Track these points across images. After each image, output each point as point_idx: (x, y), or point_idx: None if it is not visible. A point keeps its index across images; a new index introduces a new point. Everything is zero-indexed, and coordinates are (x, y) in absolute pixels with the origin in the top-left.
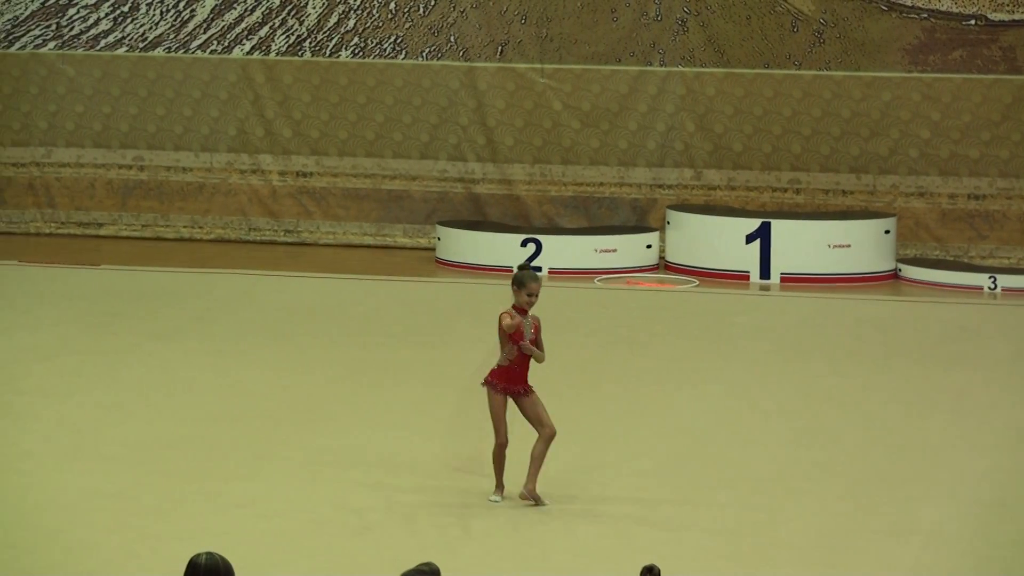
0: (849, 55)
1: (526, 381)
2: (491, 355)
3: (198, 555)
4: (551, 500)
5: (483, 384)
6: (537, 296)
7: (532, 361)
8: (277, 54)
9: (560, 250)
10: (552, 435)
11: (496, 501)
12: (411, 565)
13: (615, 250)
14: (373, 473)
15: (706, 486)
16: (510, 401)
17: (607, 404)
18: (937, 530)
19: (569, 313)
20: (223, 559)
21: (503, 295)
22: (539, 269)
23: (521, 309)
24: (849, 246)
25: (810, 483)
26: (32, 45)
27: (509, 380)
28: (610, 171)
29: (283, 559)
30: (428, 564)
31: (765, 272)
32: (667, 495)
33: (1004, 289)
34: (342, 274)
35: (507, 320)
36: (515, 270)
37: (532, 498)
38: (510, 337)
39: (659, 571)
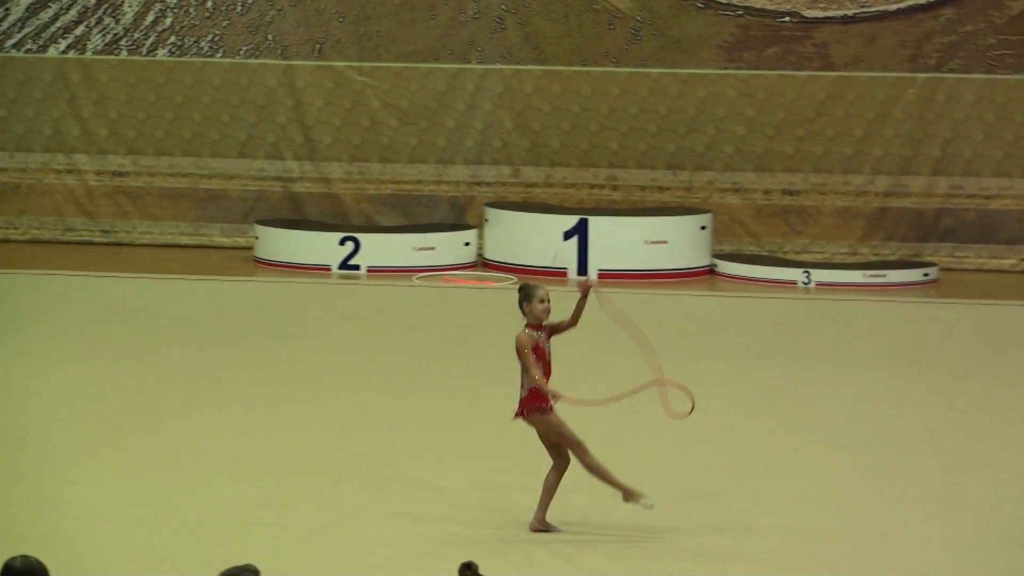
0: (665, 52)
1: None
2: (310, 352)
3: (13, 558)
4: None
5: (524, 415)
6: (550, 301)
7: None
8: (93, 53)
9: (378, 248)
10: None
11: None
12: (230, 565)
13: (433, 248)
14: (196, 473)
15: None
16: (524, 424)
17: (426, 402)
18: (752, 524)
19: (388, 311)
20: (38, 562)
21: (321, 294)
22: (357, 268)
23: (535, 325)
24: (666, 242)
25: (623, 478)
26: None
27: (543, 398)
28: (428, 169)
29: (102, 561)
30: (248, 565)
31: (583, 268)
32: (484, 492)
33: (818, 283)
34: (159, 274)
35: (535, 376)
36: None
37: (543, 527)
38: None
39: (476, 567)
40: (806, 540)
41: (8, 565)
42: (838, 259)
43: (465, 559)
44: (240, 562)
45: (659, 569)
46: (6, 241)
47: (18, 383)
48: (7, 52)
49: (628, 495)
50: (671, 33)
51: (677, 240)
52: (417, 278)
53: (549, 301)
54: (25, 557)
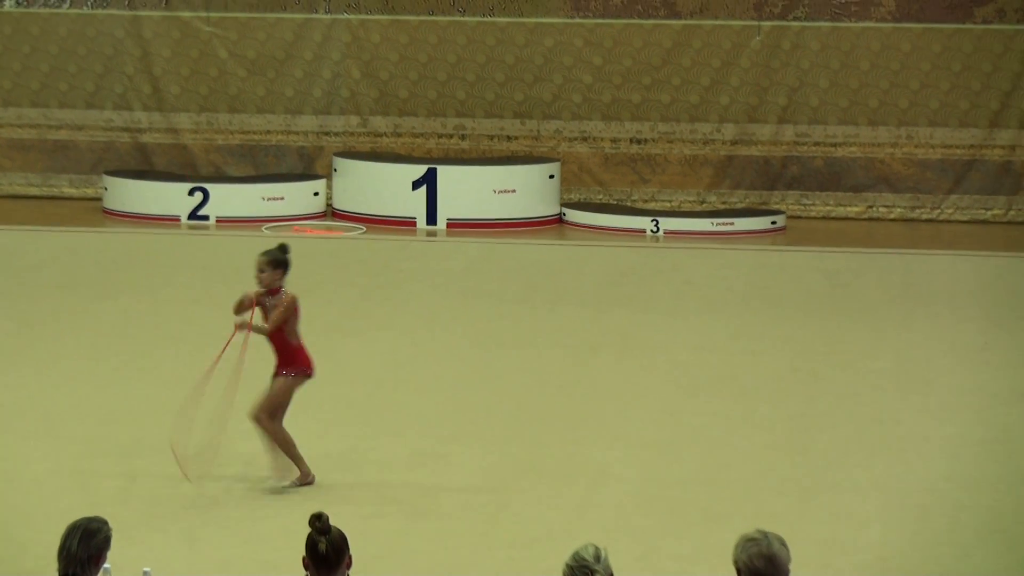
0: (512, 1)
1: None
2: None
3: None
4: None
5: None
6: (262, 272)
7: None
8: None
9: (227, 199)
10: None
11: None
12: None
13: (282, 198)
14: (37, 424)
15: (375, 433)
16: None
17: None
18: (604, 471)
19: (237, 263)
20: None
21: (170, 244)
22: (206, 218)
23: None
24: (514, 191)
25: (477, 426)
26: None
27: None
28: (276, 119)
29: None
30: (96, 517)
31: (432, 218)
32: (337, 443)
33: (666, 232)
34: (8, 225)
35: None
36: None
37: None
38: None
39: (327, 517)
40: (659, 487)
41: None
42: (686, 207)
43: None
44: (88, 514)
45: (511, 518)
46: None
47: None
48: None
49: (303, 477)
50: None
51: (525, 189)
52: (266, 228)
53: (261, 272)
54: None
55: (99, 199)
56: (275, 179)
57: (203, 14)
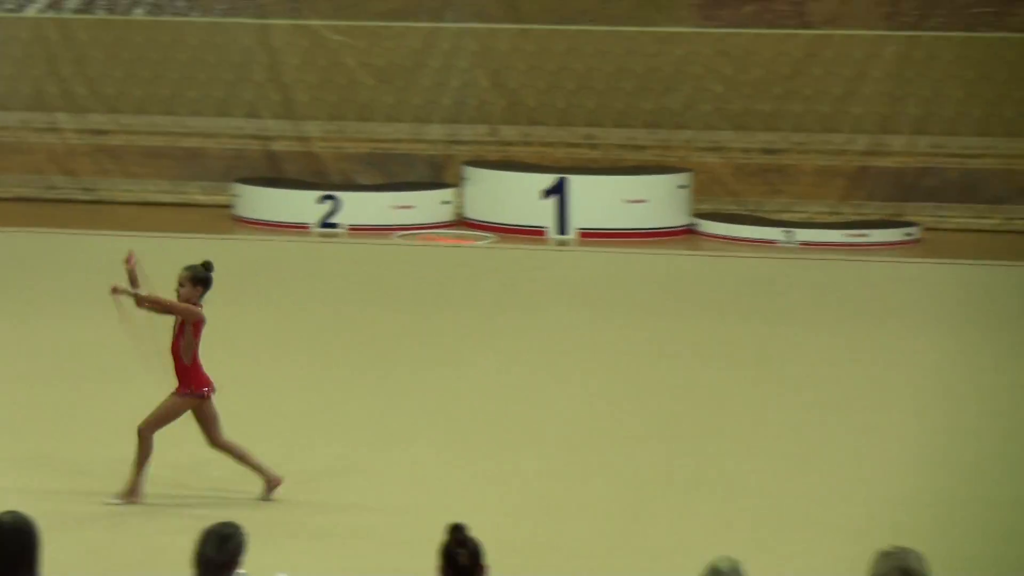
0: (641, 10)
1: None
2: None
3: (3, 513)
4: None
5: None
6: (182, 287)
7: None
8: (71, 12)
9: (358, 207)
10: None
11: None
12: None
13: (413, 207)
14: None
15: (508, 445)
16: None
17: (407, 362)
18: (738, 483)
19: (367, 271)
20: (28, 518)
21: (300, 252)
22: (336, 226)
23: None
24: (645, 201)
25: (608, 438)
26: None
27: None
28: (405, 127)
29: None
30: (228, 523)
31: (562, 228)
32: (471, 453)
33: (800, 243)
34: (140, 232)
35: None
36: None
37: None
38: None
39: (466, 528)
40: (793, 500)
41: None
42: (819, 218)
43: (454, 521)
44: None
45: (645, 529)
46: None
47: (2, 341)
48: None
49: (131, 494)
50: None
51: (656, 199)
52: (398, 236)
53: (180, 285)
54: (14, 513)
55: (230, 206)
56: (405, 187)
57: (332, 22)
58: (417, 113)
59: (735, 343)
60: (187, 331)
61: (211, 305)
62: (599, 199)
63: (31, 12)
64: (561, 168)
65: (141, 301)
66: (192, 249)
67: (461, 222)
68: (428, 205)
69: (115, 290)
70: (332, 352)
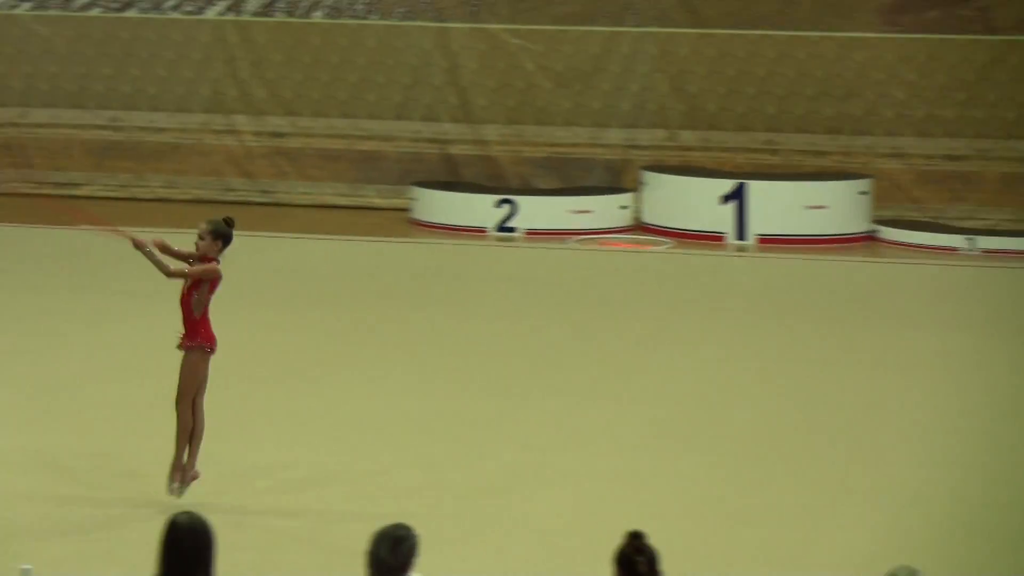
0: (823, 15)
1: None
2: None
3: (178, 515)
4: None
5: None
6: (201, 239)
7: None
8: (250, 15)
9: (535, 211)
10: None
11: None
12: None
13: (590, 211)
14: (348, 433)
15: (684, 450)
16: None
17: (584, 367)
18: (915, 491)
19: (544, 275)
20: (204, 519)
21: (477, 256)
22: (514, 230)
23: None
24: (825, 207)
25: (787, 443)
26: (7, 6)
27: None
28: (584, 132)
29: (264, 517)
30: (402, 524)
31: (741, 233)
32: (650, 459)
33: (982, 250)
34: (317, 234)
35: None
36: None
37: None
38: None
39: (645, 535)
40: (972, 509)
41: (174, 522)
42: (1003, 226)
43: (632, 526)
44: (395, 521)
45: (823, 538)
46: (167, 200)
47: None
48: (166, 14)
49: (181, 476)
50: None
51: (836, 205)
52: (575, 241)
53: (200, 238)
54: (190, 514)
55: (407, 210)
56: (583, 192)
57: (510, 26)
58: (596, 117)
59: (914, 351)
60: (203, 286)
61: (389, 308)
62: (778, 205)
63: (211, 15)
64: (740, 173)
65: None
66: (369, 252)
67: (639, 227)
68: (606, 210)
69: (139, 245)
70: (509, 356)
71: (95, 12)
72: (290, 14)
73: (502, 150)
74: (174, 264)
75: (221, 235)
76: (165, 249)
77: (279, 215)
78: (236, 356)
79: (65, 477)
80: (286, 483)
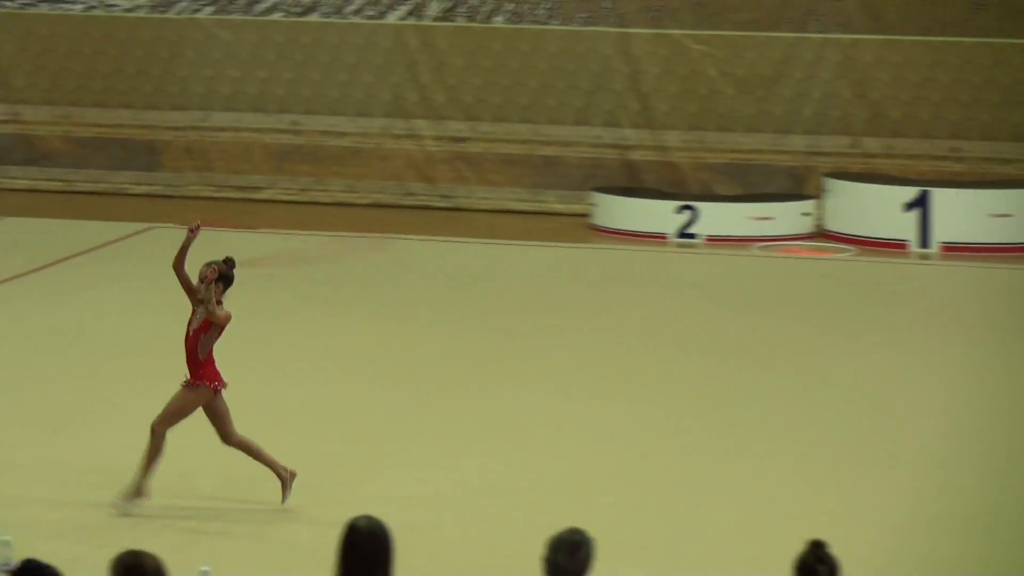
0: (1009, 21)
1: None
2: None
3: (357, 518)
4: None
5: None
6: (201, 282)
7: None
8: (431, 19)
9: (716, 217)
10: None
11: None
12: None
13: (772, 218)
14: (528, 438)
15: (872, 462)
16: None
17: (772, 372)
18: None
19: (724, 282)
20: (383, 524)
21: (657, 262)
22: (694, 237)
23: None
24: (1010, 215)
25: (977, 456)
26: (189, 10)
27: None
28: (765, 138)
29: (438, 523)
30: (577, 530)
31: (924, 241)
32: (834, 468)
33: None
34: (497, 239)
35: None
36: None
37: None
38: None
39: (827, 544)
40: None
41: (353, 525)
42: None
43: (811, 536)
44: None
45: (975, 551)
46: (348, 205)
47: (360, 344)
48: (347, 19)
49: (137, 493)
50: (1015, 2)
51: (1022, 213)
52: (756, 248)
53: (200, 281)
54: (369, 518)
55: (587, 215)
56: (764, 199)
57: (692, 32)
58: (778, 124)
59: None
60: (212, 330)
61: (568, 313)
62: (963, 213)
63: (392, 19)
64: (924, 181)
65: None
66: (548, 257)
67: (821, 234)
68: (788, 216)
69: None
70: (687, 361)
71: (277, 16)
72: (471, 19)
73: (683, 156)
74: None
75: (222, 277)
76: (179, 266)
77: (459, 220)
78: (415, 360)
79: (249, 482)
80: (474, 487)
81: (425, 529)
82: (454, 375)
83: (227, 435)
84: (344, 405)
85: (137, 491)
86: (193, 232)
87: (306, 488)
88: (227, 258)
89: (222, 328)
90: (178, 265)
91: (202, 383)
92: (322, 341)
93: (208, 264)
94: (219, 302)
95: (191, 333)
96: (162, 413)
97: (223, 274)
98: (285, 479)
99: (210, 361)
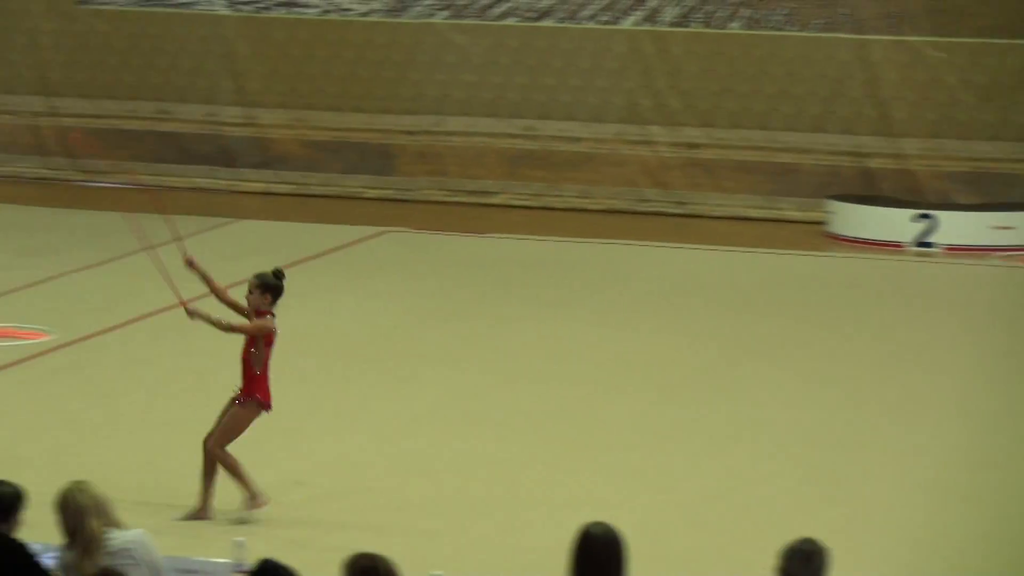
0: None
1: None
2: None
3: (592, 525)
4: None
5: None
6: (250, 293)
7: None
8: (666, 25)
9: (955, 226)
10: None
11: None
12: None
13: (1013, 227)
14: (762, 446)
15: None
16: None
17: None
18: None
19: (962, 292)
20: (616, 531)
21: (893, 271)
22: (932, 245)
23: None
24: None
25: None
26: (424, 14)
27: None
28: (1007, 147)
29: (671, 531)
30: (810, 540)
31: None
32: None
33: None
34: (731, 247)
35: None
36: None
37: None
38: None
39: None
40: None
41: (588, 532)
42: None
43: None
44: (805, 536)
45: None
46: (581, 210)
47: (590, 350)
48: (581, 24)
49: (200, 511)
50: None
51: None
52: (997, 257)
53: (249, 292)
54: (604, 525)
55: (823, 223)
56: (1005, 208)
57: (931, 39)
58: (1020, 132)
59: None
60: (259, 342)
61: (801, 321)
62: None
63: (627, 25)
64: None
65: (216, 323)
66: (782, 265)
67: None
68: None
69: (192, 313)
70: (930, 377)
71: (511, 21)
72: (707, 24)
73: (921, 164)
74: (234, 319)
75: (270, 288)
76: (221, 294)
77: (692, 226)
78: (642, 365)
79: (476, 481)
80: (696, 494)
81: (656, 535)
82: (686, 383)
83: (217, 440)
84: (565, 412)
85: (201, 510)
86: (190, 264)
87: (535, 494)
88: (276, 270)
89: (266, 340)
90: (216, 293)
91: (252, 399)
92: (551, 347)
93: (256, 275)
94: (268, 313)
95: (244, 348)
96: (216, 433)
97: (268, 284)
98: (256, 497)
99: (264, 377)
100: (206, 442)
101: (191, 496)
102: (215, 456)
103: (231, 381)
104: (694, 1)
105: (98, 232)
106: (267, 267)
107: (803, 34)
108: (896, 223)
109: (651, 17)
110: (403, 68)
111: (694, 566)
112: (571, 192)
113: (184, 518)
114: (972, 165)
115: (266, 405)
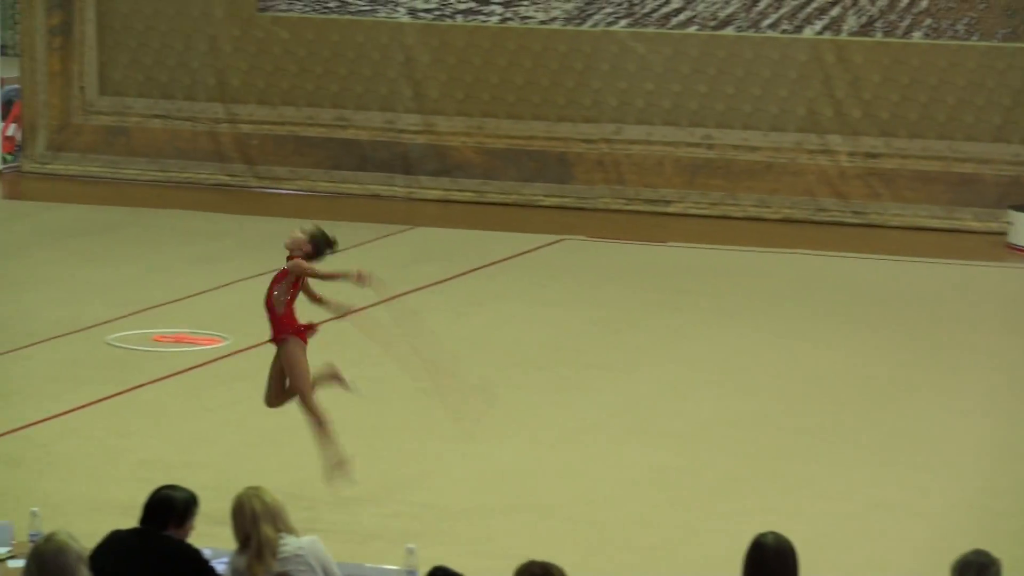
0: None
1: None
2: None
3: (764, 535)
4: None
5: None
6: (298, 235)
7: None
8: (848, 34)
9: None
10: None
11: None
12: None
13: None
14: (937, 458)
15: None
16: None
17: None
18: None
19: None
20: (789, 541)
21: None
22: None
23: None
24: None
25: None
26: (604, 22)
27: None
28: None
29: (843, 542)
30: (983, 552)
31: None
32: None
33: None
34: (910, 257)
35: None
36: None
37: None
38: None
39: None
40: None
41: (759, 542)
42: None
43: None
44: (977, 548)
45: None
46: (759, 219)
47: (766, 360)
48: (763, 32)
49: (338, 465)
50: None
51: None
52: None
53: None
54: (777, 535)
55: (1003, 233)
56: None
57: None
58: None
59: None
60: (282, 284)
61: (980, 332)
62: None
63: (808, 34)
64: None
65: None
66: (960, 276)
67: None
68: None
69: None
70: None
71: (692, 30)
72: (889, 34)
73: None
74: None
75: (316, 243)
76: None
77: (871, 236)
78: (819, 376)
79: (645, 489)
80: (870, 504)
81: (828, 545)
82: (864, 394)
83: (300, 399)
84: (738, 422)
85: (337, 464)
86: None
87: (707, 504)
88: (335, 239)
89: (294, 285)
90: (331, 277)
91: (286, 335)
92: (726, 357)
93: (315, 224)
94: (301, 257)
95: (267, 292)
96: (297, 391)
97: (317, 240)
98: (343, 464)
99: (288, 313)
100: (271, 404)
101: (365, 502)
102: (309, 413)
103: (407, 387)
104: (876, 11)
105: (275, 239)
106: (441, 275)
107: (986, 44)
108: None
109: (833, 26)
110: (582, 76)
111: None
112: (749, 201)
113: (330, 479)
114: None
115: (301, 332)
